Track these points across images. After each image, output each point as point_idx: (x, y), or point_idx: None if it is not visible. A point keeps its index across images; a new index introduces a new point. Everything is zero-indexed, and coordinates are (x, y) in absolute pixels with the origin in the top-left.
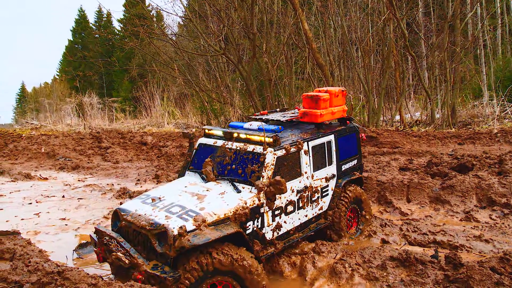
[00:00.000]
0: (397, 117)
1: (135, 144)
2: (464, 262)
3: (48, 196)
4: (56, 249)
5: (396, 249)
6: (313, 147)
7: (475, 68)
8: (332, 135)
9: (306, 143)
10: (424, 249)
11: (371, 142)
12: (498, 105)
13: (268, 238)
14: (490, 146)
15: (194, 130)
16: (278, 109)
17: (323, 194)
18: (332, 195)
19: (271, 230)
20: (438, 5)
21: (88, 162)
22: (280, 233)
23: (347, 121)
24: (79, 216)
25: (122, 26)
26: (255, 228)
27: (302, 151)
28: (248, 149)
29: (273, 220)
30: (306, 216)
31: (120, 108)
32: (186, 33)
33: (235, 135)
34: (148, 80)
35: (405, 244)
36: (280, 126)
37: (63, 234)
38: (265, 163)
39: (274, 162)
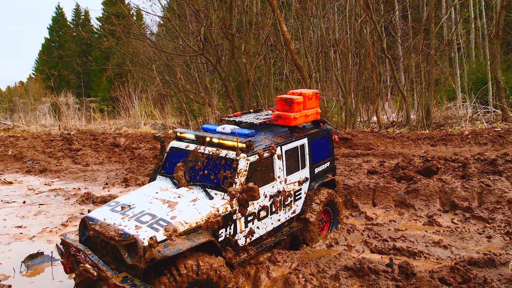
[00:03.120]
0: (375, 118)
1: (108, 146)
2: (417, 272)
3: (8, 202)
4: (5, 260)
5: (354, 257)
6: (286, 151)
7: (450, 70)
8: (306, 139)
9: (279, 147)
10: (382, 257)
11: (345, 144)
12: (470, 107)
13: (240, 245)
14: (461, 148)
15: (171, 131)
16: (251, 110)
17: (296, 198)
18: (305, 198)
19: (243, 236)
20: (414, 8)
21: (57, 165)
22: (253, 238)
23: (321, 123)
24: (37, 224)
25: (100, 24)
26: (227, 235)
27: (275, 156)
28: (221, 155)
29: (246, 226)
30: (279, 220)
31: (98, 108)
32: (165, 33)
33: (208, 139)
34: (127, 80)
35: (363, 252)
36: (253, 130)
37: (16, 244)
38: (238, 169)
39: (247, 168)
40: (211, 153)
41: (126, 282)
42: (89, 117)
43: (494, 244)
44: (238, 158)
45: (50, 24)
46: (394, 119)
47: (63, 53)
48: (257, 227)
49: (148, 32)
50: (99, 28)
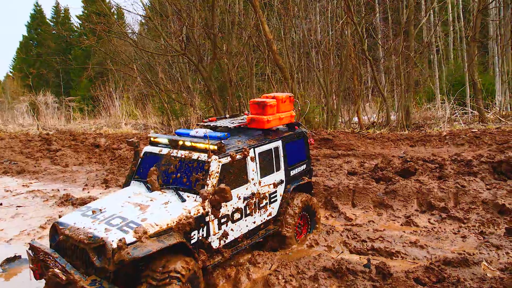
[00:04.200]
0: (356, 119)
1: (88, 146)
2: (393, 272)
3: None
4: None
5: (333, 258)
6: (260, 154)
7: (429, 72)
8: (280, 141)
9: (252, 149)
10: (360, 257)
11: (326, 145)
12: (449, 108)
13: (214, 247)
14: (439, 148)
15: (152, 131)
16: (227, 115)
17: (272, 200)
18: (280, 200)
19: (217, 238)
20: (394, 11)
21: (35, 166)
22: (227, 241)
23: (295, 126)
24: (14, 226)
25: (80, 23)
26: (200, 237)
27: (249, 158)
28: (193, 157)
29: (219, 229)
30: (254, 222)
31: (78, 107)
32: (147, 32)
33: (180, 143)
34: (107, 79)
35: (342, 252)
36: (226, 133)
37: None
38: (209, 171)
39: (219, 170)
40: (183, 156)
41: (94, 285)
42: (69, 117)
43: (468, 243)
44: (209, 160)
45: (28, 22)
46: (375, 120)
47: (42, 51)
48: (231, 229)
49: (129, 31)
50: (79, 26)
